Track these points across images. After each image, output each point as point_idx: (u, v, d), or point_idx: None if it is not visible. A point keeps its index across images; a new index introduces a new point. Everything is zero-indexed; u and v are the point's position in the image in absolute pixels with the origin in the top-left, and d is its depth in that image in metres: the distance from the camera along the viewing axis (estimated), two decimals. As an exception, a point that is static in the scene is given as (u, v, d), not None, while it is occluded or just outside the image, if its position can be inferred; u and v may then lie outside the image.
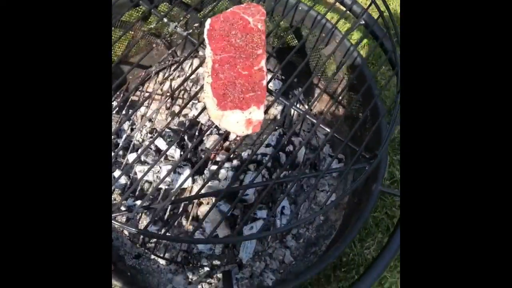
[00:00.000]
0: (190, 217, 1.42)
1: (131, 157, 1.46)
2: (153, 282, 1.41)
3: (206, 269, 1.44)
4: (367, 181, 1.23)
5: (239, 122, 0.89)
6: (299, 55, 1.67)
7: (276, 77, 1.68)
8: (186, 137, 1.51)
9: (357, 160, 0.96)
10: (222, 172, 1.39)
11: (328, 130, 1.09)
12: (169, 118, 1.59)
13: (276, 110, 1.56)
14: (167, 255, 1.43)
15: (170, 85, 1.66)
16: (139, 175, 1.43)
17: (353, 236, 1.16)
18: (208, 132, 1.50)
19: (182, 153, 1.46)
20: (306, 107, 1.75)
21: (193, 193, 1.46)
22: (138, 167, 1.44)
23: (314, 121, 1.09)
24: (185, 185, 1.45)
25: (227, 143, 1.52)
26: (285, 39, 1.61)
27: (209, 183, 1.38)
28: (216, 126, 1.53)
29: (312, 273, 1.11)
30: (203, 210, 1.42)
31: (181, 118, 1.59)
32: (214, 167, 1.42)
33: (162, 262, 1.44)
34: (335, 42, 1.44)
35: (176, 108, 1.60)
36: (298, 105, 1.73)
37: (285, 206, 1.46)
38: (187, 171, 1.43)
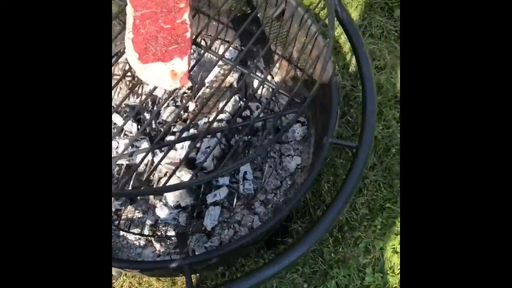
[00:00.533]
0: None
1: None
2: (123, 258, 1.42)
3: (174, 239, 1.45)
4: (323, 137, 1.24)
5: (163, 74, 0.90)
6: (256, 23, 1.67)
7: (235, 48, 1.68)
8: (145, 112, 1.51)
9: (291, 106, 0.96)
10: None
11: (288, 95, 1.09)
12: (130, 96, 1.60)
13: (232, 78, 1.55)
14: (135, 230, 1.44)
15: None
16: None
17: (307, 187, 1.16)
18: (165, 105, 1.51)
19: (139, 127, 1.46)
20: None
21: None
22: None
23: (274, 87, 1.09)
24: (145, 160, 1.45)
25: (186, 114, 1.52)
26: (239, 7, 1.61)
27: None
28: (173, 99, 1.54)
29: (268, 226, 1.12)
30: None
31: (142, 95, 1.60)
32: (172, 138, 1.43)
33: (130, 237, 1.45)
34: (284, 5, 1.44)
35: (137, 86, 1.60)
36: (258, 74, 1.73)
37: (247, 171, 1.46)
38: (145, 145, 1.43)
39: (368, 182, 1.81)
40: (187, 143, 1.39)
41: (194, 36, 1.00)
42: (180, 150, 1.38)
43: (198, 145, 1.39)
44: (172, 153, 1.38)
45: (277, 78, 1.75)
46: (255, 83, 1.69)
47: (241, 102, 1.47)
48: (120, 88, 1.64)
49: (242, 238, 1.10)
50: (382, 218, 1.73)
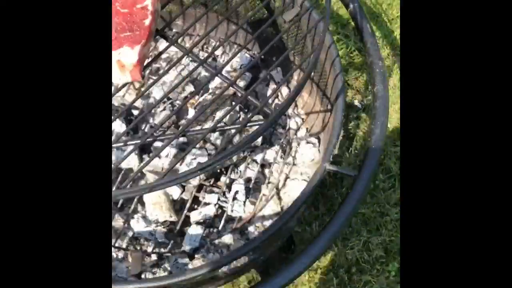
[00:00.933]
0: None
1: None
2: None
3: (154, 257, 1.30)
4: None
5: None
6: (275, 29, 1.52)
7: (251, 55, 1.53)
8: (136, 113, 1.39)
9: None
10: (167, 149, 1.26)
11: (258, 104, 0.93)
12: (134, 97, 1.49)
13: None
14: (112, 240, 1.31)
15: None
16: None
17: (291, 212, 0.98)
18: (161, 108, 1.38)
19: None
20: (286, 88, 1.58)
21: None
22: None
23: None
24: (131, 164, 1.33)
25: (183, 121, 1.38)
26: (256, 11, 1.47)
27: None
28: (171, 103, 1.41)
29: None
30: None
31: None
32: (159, 144, 1.29)
33: (107, 248, 1.33)
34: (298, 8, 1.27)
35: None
36: (273, 86, 1.57)
37: (239, 190, 1.29)
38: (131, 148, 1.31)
39: (388, 220, 1.58)
40: (172, 151, 1.25)
41: (158, 27, 0.86)
42: (164, 159, 1.24)
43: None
44: (155, 161, 1.24)
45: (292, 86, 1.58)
46: (268, 91, 1.53)
47: (241, 113, 1.31)
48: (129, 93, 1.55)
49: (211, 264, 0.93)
50: (398, 263, 1.49)
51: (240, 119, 1.30)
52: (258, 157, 1.37)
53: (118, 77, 0.79)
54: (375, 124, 1.02)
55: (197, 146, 1.25)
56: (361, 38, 1.15)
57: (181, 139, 1.27)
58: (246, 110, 1.32)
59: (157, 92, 1.42)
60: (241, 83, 1.40)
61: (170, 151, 1.24)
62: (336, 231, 0.92)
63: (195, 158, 1.22)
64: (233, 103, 1.31)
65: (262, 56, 1.59)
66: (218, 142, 1.25)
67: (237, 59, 1.47)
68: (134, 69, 0.78)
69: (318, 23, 1.20)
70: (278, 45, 1.55)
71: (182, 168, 1.21)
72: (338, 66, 1.13)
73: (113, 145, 0.95)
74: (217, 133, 1.26)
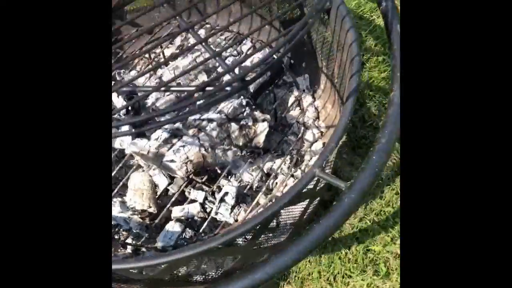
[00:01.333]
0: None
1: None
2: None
3: (130, 249, 1.19)
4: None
5: None
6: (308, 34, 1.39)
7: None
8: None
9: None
10: (158, 132, 1.15)
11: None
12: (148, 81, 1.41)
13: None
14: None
15: (163, 53, 1.50)
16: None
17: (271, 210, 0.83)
18: (167, 94, 1.29)
19: (130, 108, 1.26)
20: (310, 97, 1.44)
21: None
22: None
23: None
24: (124, 145, 1.24)
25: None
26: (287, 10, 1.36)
27: (138, 143, 1.15)
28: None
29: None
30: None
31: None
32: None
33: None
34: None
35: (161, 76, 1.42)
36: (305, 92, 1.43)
37: (229, 193, 1.15)
38: (125, 128, 1.22)
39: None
40: (164, 135, 1.14)
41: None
42: (154, 142, 1.13)
43: (174, 140, 1.13)
44: (143, 143, 1.14)
45: (318, 102, 1.43)
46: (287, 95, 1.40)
47: (247, 107, 1.18)
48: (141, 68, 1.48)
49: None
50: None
51: (245, 113, 1.17)
52: (265, 165, 1.23)
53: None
54: (383, 133, 0.85)
55: (190, 133, 1.13)
56: (388, 38, 1.00)
57: (176, 125, 1.16)
58: (252, 104, 1.19)
59: (167, 76, 1.33)
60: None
61: (161, 135, 1.14)
62: (306, 249, 0.76)
63: (184, 146, 1.10)
64: (241, 99, 1.18)
65: (288, 59, 1.47)
66: (214, 133, 1.13)
67: (259, 56, 1.36)
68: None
69: (344, 18, 1.06)
70: (308, 50, 1.42)
71: (169, 154, 1.10)
72: (356, 66, 0.98)
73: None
74: (213, 124, 1.14)
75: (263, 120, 1.18)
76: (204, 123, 1.15)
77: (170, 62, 1.37)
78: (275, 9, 1.44)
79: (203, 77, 1.33)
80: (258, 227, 0.89)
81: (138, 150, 1.13)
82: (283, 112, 1.40)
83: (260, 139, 1.18)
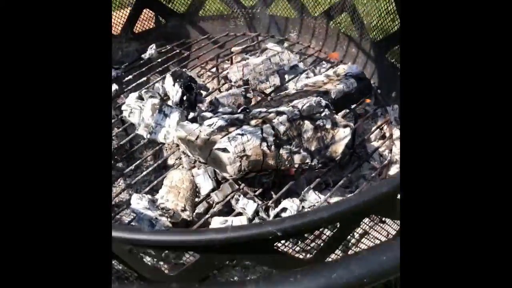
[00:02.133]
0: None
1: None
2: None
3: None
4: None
5: None
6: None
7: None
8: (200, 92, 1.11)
9: None
10: (213, 118, 0.93)
11: None
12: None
13: (332, 87, 1.05)
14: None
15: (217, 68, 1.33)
16: (125, 113, 1.07)
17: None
18: (235, 90, 1.08)
19: (185, 98, 1.06)
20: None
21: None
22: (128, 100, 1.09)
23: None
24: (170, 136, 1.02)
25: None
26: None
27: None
28: (246, 88, 1.11)
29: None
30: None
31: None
32: (208, 115, 0.97)
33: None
34: None
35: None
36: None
37: (289, 210, 0.88)
38: (175, 115, 1.01)
39: None
40: (219, 123, 0.91)
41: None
42: (206, 127, 0.91)
43: (231, 129, 0.90)
44: (192, 127, 0.92)
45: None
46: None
47: (326, 110, 0.94)
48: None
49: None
50: None
51: (323, 114, 0.92)
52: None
53: None
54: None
55: (252, 123, 0.90)
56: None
57: (236, 115, 0.94)
58: (332, 109, 0.95)
59: (233, 73, 1.14)
60: (340, 86, 1.05)
61: (216, 122, 0.91)
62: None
63: (242, 134, 0.86)
64: (319, 98, 0.95)
65: (375, 88, 1.25)
66: (282, 128, 0.89)
67: (344, 66, 1.14)
68: None
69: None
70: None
71: (222, 141, 0.86)
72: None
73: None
74: (283, 117, 0.90)
75: (345, 126, 0.93)
76: (272, 115, 0.92)
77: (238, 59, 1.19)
78: (368, 28, 1.26)
79: (275, 80, 1.12)
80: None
81: (185, 134, 0.91)
82: (362, 141, 1.15)
83: (338, 149, 0.92)
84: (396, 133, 1.18)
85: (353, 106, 1.15)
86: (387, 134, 1.17)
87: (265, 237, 0.53)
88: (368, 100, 1.25)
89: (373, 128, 1.18)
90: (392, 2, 1.17)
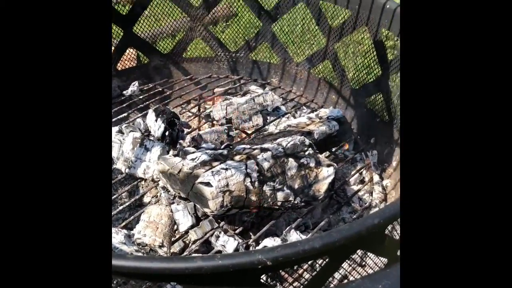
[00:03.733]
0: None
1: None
2: None
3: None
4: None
5: None
6: (386, 100, 1.22)
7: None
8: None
9: None
10: (197, 153, 0.92)
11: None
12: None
13: (315, 128, 1.06)
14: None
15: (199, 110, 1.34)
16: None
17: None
18: (217, 128, 1.08)
19: (166, 133, 1.04)
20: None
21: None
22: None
23: None
24: (148, 171, 0.99)
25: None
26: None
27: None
28: (229, 127, 1.11)
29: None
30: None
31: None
32: (191, 149, 0.96)
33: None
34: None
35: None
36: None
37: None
38: (157, 149, 0.99)
39: None
40: (202, 157, 0.90)
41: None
42: (189, 161, 0.89)
43: (214, 164, 0.89)
44: (175, 160, 0.90)
45: (388, 182, 1.18)
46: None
47: (310, 149, 0.94)
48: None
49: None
50: None
51: (306, 153, 0.92)
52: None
53: None
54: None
55: (236, 159, 0.89)
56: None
57: (220, 150, 0.93)
58: (315, 149, 0.95)
59: (217, 112, 1.14)
60: (323, 127, 1.07)
61: (200, 156, 0.90)
62: None
63: (226, 169, 0.85)
64: (303, 138, 0.96)
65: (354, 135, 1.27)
66: (266, 165, 0.88)
67: (326, 110, 1.16)
68: None
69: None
70: (382, 119, 1.23)
71: (205, 175, 0.84)
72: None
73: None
74: (267, 154, 0.90)
75: (329, 166, 0.93)
76: (256, 151, 0.91)
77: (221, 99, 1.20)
78: (348, 75, 1.30)
79: (258, 120, 1.13)
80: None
81: (167, 168, 0.89)
82: (342, 185, 1.15)
83: (321, 188, 0.91)
84: (376, 177, 1.19)
85: (334, 149, 1.16)
86: (367, 179, 1.18)
87: (254, 266, 0.51)
88: (346, 146, 1.27)
89: (353, 172, 1.19)
90: (367, 57, 1.22)
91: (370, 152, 1.24)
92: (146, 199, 1.11)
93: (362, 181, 1.20)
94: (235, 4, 1.63)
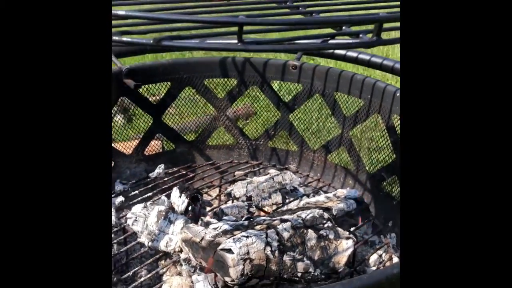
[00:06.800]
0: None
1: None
2: None
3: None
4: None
5: None
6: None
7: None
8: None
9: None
10: (220, 223, 0.95)
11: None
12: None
13: (334, 204, 1.09)
14: None
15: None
16: (129, 221, 1.09)
17: None
18: (238, 204, 1.12)
19: (189, 208, 1.09)
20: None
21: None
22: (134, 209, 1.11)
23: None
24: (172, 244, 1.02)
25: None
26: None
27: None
28: (249, 204, 1.15)
29: None
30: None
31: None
32: (213, 221, 0.99)
33: None
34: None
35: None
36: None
37: None
38: (180, 221, 1.03)
39: None
40: (224, 227, 0.93)
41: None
42: (211, 230, 0.92)
43: (235, 232, 0.91)
44: (198, 228, 0.93)
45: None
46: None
47: (328, 222, 0.96)
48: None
49: None
50: None
51: (325, 225, 0.95)
52: None
53: None
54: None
55: (257, 228, 0.92)
56: None
57: (241, 221, 0.96)
58: (334, 223, 0.97)
59: (238, 190, 1.19)
60: (341, 205, 1.10)
61: (222, 226, 0.93)
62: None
63: (247, 236, 0.88)
64: (322, 211, 0.99)
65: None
66: (286, 235, 0.91)
67: (343, 190, 1.21)
68: None
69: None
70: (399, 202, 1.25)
71: (227, 242, 0.87)
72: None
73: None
74: (287, 224, 0.92)
75: (348, 238, 0.95)
76: (276, 222, 0.94)
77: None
78: (364, 161, 1.36)
79: (277, 198, 1.17)
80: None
81: (190, 236, 0.92)
82: (362, 262, 1.15)
83: (341, 260, 0.92)
84: (395, 259, 1.18)
85: (352, 229, 1.18)
86: (386, 258, 1.18)
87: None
88: (364, 225, 1.29)
89: (372, 252, 1.19)
90: (381, 142, 1.30)
91: (389, 234, 1.25)
92: (165, 277, 1.11)
93: (381, 262, 1.19)
94: (255, 105, 1.78)
